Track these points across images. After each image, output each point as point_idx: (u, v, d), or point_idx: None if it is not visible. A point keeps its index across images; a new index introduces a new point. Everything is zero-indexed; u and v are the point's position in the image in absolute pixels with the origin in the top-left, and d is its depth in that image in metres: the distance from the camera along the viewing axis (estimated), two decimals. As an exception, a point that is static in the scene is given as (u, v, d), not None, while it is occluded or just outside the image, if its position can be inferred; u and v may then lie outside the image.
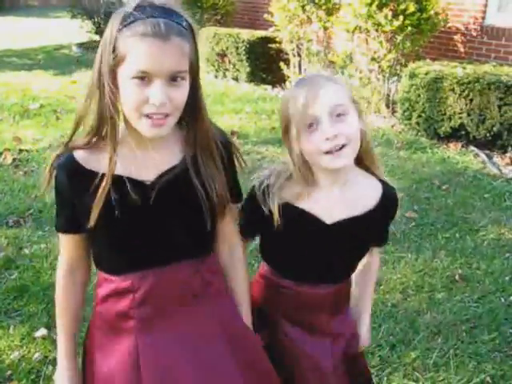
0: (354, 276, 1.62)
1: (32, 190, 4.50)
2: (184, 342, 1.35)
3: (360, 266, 1.62)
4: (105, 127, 1.24)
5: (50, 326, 2.81)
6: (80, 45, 13.73)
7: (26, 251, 3.58)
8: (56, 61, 11.62)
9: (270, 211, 1.42)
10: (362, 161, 1.47)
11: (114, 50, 1.18)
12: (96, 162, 1.27)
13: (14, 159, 5.21)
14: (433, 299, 3.03)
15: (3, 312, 2.95)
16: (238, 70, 8.66)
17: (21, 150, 5.44)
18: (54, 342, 2.69)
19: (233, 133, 5.89)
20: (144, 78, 1.17)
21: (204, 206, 1.31)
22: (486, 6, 6.72)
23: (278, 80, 8.47)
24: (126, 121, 1.26)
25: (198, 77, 1.28)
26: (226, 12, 10.06)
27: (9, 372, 2.50)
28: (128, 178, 1.27)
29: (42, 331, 2.77)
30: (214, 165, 1.32)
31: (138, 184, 1.28)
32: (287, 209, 1.43)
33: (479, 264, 3.38)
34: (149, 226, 1.31)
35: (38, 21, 24.13)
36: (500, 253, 3.51)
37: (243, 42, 8.34)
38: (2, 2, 32.29)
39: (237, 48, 8.47)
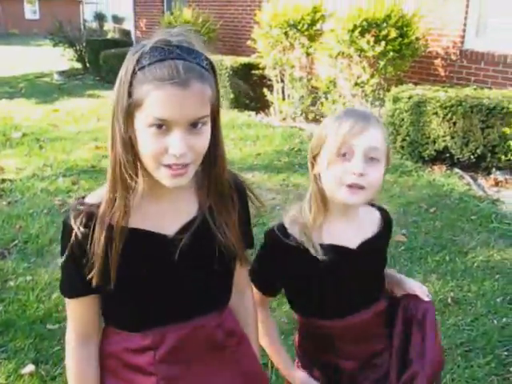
0: None
1: (16, 220, 4.43)
2: None
3: None
4: (121, 180, 1.15)
5: (38, 361, 2.75)
6: (61, 72, 13.76)
7: (11, 283, 3.50)
8: (38, 89, 11.59)
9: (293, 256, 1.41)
10: None
11: (129, 96, 1.09)
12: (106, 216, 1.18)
13: (-3, 189, 5.14)
14: (426, 324, 3.00)
15: (-10, 350, 2.87)
16: (221, 96, 8.66)
17: (3, 180, 5.37)
18: (41, 379, 2.63)
19: (218, 159, 5.89)
20: (162, 126, 1.08)
21: (226, 257, 1.26)
22: (464, 30, 6.86)
23: (262, 106, 8.54)
24: (144, 169, 1.16)
25: (219, 119, 1.20)
26: (208, 39, 10.12)
27: (-5, 412, 2.43)
28: (149, 231, 1.21)
29: (30, 367, 2.69)
30: (228, 214, 1.27)
31: (159, 238, 1.21)
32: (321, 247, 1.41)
33: (470, 286, 3.37)
34: (172, 282, 1.23)
35: (18, 49, 24.15)
36: (490, 274, 3.51)
37: (226, 68, 8.40)
38: (-18, 31, 32.37)
39: (220, 75, 8.49)
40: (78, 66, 14.25)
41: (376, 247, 1.50)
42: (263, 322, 1.54)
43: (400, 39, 6.41)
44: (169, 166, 1.11)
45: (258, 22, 8.08)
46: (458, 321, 3.03)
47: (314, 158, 1.43)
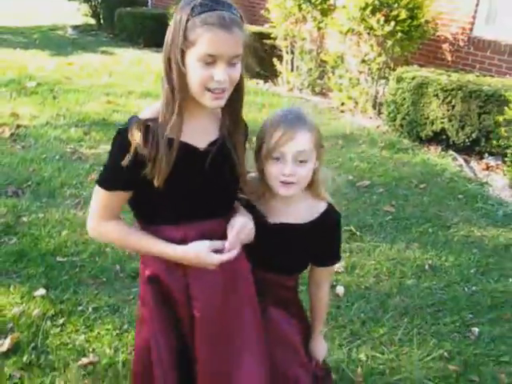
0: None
1: (30, 163, 4.69)
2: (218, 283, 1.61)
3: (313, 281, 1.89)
4: (175, 101, 1.44)
5: (48, 287, 3.04)
6: (75, 27, 13.82)
7: (25, 219, 3.77)
8: (52, 41, 11.69)
9: None
10: (311, 187, 1.74)
11: (185, 37, 1.39)
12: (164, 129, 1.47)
13: (12, 134, 5.39)
14: (403, 284, 3.29)
15: (3, 273, 3.15)
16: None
17: (18, 126, 5.61)
18: (52, 301, 2.92)
19: (224, 123, 6.12)
20: (210, 60, 1.40)
21: (240, 170, 1.59)
22: (474, 17, 7.00)
23: (270, 75, 8.69)
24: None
25: (245, 59, 1.50)
26: (223, 5, 10.24)
27: (10, 325, 2.71)
28: (187, 143, 1.51)
29: (41, 291, 2.99)
30: (241, 138, 1.62)
31: (194, 149, 1.53)
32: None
33: (448, 257, 3.65)
34: (201, 185, 1.54)
35: (29, 0, 24.00)
36: (468, 248, 3.79)
37: (239, 35, 8.53)
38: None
39: (232, 41, 8.67)
40: (92, 21, 14.32)
41: (297, 234, 1.74)
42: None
43: (410, 21, 6.56)
44: (211, 91, 1.43)
45: (273, -8, 8.22)
46: (432, 285, 3.32)
47: (256, 152, 1.70)
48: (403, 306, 3.08)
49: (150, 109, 1.53)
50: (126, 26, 11.48)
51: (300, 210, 1.75)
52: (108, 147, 1.56)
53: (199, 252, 1.51)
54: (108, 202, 1.56)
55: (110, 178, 1.53)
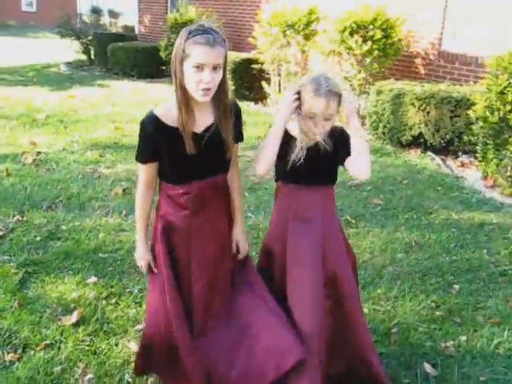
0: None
1: (57, 183, 5.27)
2: (213, 222, 2.30)
3: None
4: (179, 97, 2.10)
5: (98, 276, 3.59)
6: (68, 63, 14.49)
7: (64, 227, 4.34)
8: (48, 78, 12.34)
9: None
10: None
11: (183, 51, 2.00)
12: (170, 118, 2.13)
13: (34, 160, 5.96)
14: (394, 258, 3.90)
15: (56, 268, 3.70)
16: (223, 87, 9.54)
17: (38, 153, 6.19)
18: (103, 286, 3.48)
19: (224, 140, 6.75)
20: (199, 67, 2.00)
21: (227, 146, 2.21)
22: (442, 33, 7.77)
23: (260, 97, 9.40)
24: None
25: (226, 67, 2.09)
26: (210, 35, 10.95)
27: (72, 305, 3.26)
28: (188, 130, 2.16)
29: (93, 279, 3.55)
30: (229, 122, 2.20)
31: (194, 134, 2.15)
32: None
33: (431, 235, 4.27)
34: (199, 158, 2.16)
35: (17, 40, 24.71)
36: (448, 228, 4.42)
37: (229, 62, 9.22)
38: (-20, 22, 32.78)
39: (222, 68, 9.36)
40: (83, 57, 15.02)
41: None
42: None
43: (384, 40, 7.32)
44: (201, 90, 2.04)
45: (258, 21, 8.95)
46: (418, 257, 3.93)
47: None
48: (396, 273, 3.68)
49: (161, 107, 2.19)
50: (118, 60, 12.16)
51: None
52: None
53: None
54: (145, 174, 2.27)
55: (141, 154, 2.23)
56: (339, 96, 2.25)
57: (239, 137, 2.33)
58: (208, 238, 2.30)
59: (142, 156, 2.23)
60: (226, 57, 2.08)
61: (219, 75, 2.06)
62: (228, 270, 2.40)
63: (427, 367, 2.72)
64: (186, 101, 2.09)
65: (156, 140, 2.14)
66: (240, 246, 2.47)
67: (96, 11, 33.62)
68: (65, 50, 15.51)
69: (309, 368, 2.16)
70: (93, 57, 14.64)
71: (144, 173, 2.27)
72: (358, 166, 2.29)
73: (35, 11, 39.59)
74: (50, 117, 7.93)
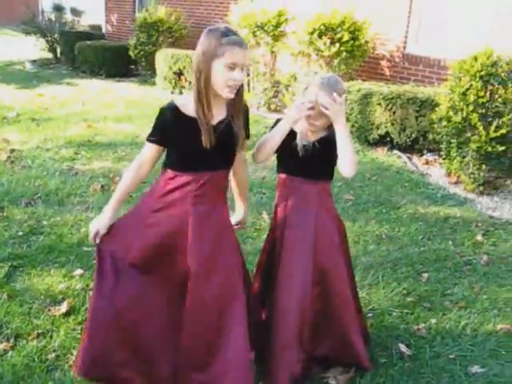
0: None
1: (35, 179, 5.31)
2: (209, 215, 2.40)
3: None
4: (201, 93, 2.20)
5: (84, 268, 3.69)
6: (33, 61, 14.34)
7: (45, 223, 4.41)
8: (13, 75, 12.22)
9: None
10: None
11: (216, 51, 2.13)
12: (189, 109, 2.26)
13: (9, 157, 5.98)
14: (366, 249, 4.12)
15: (41, 262, 3.78)
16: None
17: (12, 150, 6.21)
18: (90, 278, 3.58)
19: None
20: (231, 66, 2.15)
21: (237, 141, 2.35)
22: (406, 37, 8.07)
23: (230, 96, 9.52)
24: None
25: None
26: (179, 35, 11.07)
27: (60, 296, 3.36)
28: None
29: (79, 271, 3.64)
30: (241, 119, 2.35)
31: (209, 125, 2.29)
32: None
33: (400, 228, 4.51)
34: (212, 149, 2.28)
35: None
36: (415, 222, 4.67)
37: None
38: None
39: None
40: (49, 55, 14.90)
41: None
42: None
43: (352, 42, 7.57)
44: (229, 87, 2.19)
45: (227, 22, 9.10)
46: (389, 248, 4.16)
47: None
48: (368, 263, 3.90)
49: (181, 98, 2.36)
50: (87, 59, 12.12)
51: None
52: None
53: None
54: (144, 152, 2.39)
55: (151, 134, 2.35)
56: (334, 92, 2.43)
57: (248, 134, 2.46)
58: (206, 228, 2.39)
59: (152, 136, 2.35)
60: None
61: (244, 74, 2.23)
62: (229, 264, 2.44)
63: (402, 347, 2.93)
64: (208, 95, 2.21)
65: (170, 128, 2.27)
66: (244, 218, 2.75)
67: (58, 8, 33.14)
68: (29, 48, 15.36)
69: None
70: (59, 55, 14.54)
71: (144, 151, 2.39)
72: (342, 163, 2.48)
73: (-6, 7, 38.73)
74: (20, 115, 7.91)
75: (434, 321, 3.22)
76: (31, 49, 15.10)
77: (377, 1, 8.22)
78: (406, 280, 3.69)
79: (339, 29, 7.56)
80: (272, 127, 2.58)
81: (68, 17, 23.16)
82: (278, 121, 2.57)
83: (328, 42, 7.52)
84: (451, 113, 5.40)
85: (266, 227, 4.33)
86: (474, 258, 4.06)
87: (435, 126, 5.83)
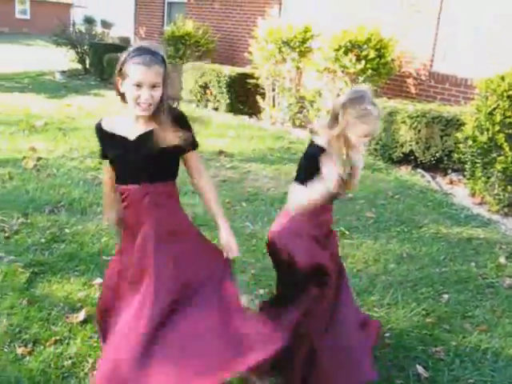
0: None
1: (59, 187, 5.39)
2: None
3: None
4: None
5: (102, 278, 3.71)
6: (62, 72, 14.61)
7: (67, 231, 4.46)
8: (44, 85, 12.45)
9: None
10: None
11: (123, 71, 2.22)
12: (112, 126, 2.37)
13: (35, 165, 6.07)
14: (386, 268, 4.08)
15: (62, 269, 3.82)
16: (218, 101, 9.74)
17: (39, 158, 6.31)
18: (108, 287, 3.60)
19: (221, 152, 6.93)
20: (138, 85, 2.18)
21: (163, 155, 2.31)
22: (433, 55, 8.04)
23: (254, 111, 9.59)
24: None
25: (166, 84, 2.26)
26: (206, 49, 11.19)
27: (79, 304, 3.39)
28: (121, 136, 2.35)
29: (99, 280, 3.66)
30: (164, 131, 2.28)
31: (126, 140, 2.34)
32: None
33: (421, 248, 4.46)
34: (134, 163, 2.34)
35: (8, 47, 24.74)
36: (437, 241, 4.61)
37: (225, 76, 9.44)
38: (-27, 28, 32.86)
39: (219, 82, 9.57)
40: (78, 66, 15.17)
41: None
42: None
43: (378, 59, 7.57)
44: (139, 105, 2.22)
45: (254, 37, 9.18)
46: (409, 268, 4.11)
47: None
48: (388, 282, 3.85)
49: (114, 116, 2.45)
50: (115, 70, 12.26)
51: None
52: None
53: None
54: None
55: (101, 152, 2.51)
56: None
57: (193, 143, 2.41)
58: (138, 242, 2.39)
59: (101, 153, 2.51)
60: (165, 74, 2.24)
61: (158, 92, 2.22)
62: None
63: (419, 369, 2.89)
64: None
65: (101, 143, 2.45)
66: (232, 246, 2.49)
67: (89, 21, 33.86)
68: (59, 58, 15.66)
69: None
70: (88, 66, 14.79)
71: (105, 166, 2.57)
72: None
73: (29, 19, 39.70)
74: (48, 124, 8.05)
75: (453, 343, 3.16)
76: (61, 60, 15.39)
77: (403, 19, 8.22)
78: (426, 300, 3.64)
79: (365, 46, 7.56)
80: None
81: (98, 29, 23.64)
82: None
83: (354, 58, 7.53)
84: (477, 132, 5.34)
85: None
86: (497, 281, 3.99)
87: (460, 145, 5.78)
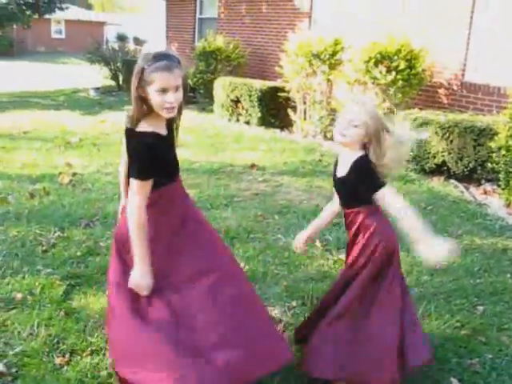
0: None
1: (94, 202, 5.50)
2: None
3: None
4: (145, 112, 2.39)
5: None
6: (96, 89, 14.94)
7: (102, 244, 4.55)
8: (78, 102, 12.76)
9: None
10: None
11: (145, 78, 2.26)
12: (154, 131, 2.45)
13: (71, 180, 6.23)
14: (419, 280, 4.04)
15: (97, 282, 3.90)
16: (250, 114, 9.82)
17: (74, 174, 6.46)
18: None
19: (253, 165, 6.98)
20: (163, 90, 2.27)
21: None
22: (465, 65, 7.97)
23: (285, 124, 9.64)
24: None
25: (186, 86, 2.40)
26: (237, 64, 11.30)
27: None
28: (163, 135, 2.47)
29: (133, 292, 3.73)
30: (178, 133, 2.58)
31: (166, 139, 2.49)
32: None
33: (455, 259, 4.40)
34: (174, 159, 2.58)
35: (46, 66, 25.38)
36: (471, 253, 4.55)
37: (256, 90, 9.53)
38: (11, 48, 33.88)
39: (250, 96, 9.65)
40: (112, 83, 15.49)
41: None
42: None
43: (408, 70, 7.54)
44: (166, 108, 2.32)
45: (284, 50, 9.25)
46: (443, 279, 4.07)
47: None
48: (421, 294, 3.82)
49: (141, 125, 2.42)
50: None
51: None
52: None
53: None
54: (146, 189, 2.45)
55: (145, 171, 2.45)
56: None
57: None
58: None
59: (146, 173, 2.39)
60: (184, 75, 2.37)
61: (181, 94, 2.34)
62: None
63: (454, 382, 2.85)
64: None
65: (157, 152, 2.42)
66: None
67: (122, 38, 34.56)
68: (92, 76, 16.02)
69: None
70: (121, 82, 15.09)
71: (145, 189, 2.41)
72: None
73: (64, 38, 40.75)
74: (83, 140, 8.24)
75: (489, 356, 3.12)
76: (95, 77, 15.74)
77: (434, 29, 8.17)
78: (460, 312, 3.60)
79: (396, 57, 7.55)
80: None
81: (131, 46, 24.11)
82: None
83: (384, 70, 7.52)
84: (510, 142, 5.27)
85: (318, 255, 4.33)
86: (534, 293, 3.92)
87: (494, 155, 5.70)
